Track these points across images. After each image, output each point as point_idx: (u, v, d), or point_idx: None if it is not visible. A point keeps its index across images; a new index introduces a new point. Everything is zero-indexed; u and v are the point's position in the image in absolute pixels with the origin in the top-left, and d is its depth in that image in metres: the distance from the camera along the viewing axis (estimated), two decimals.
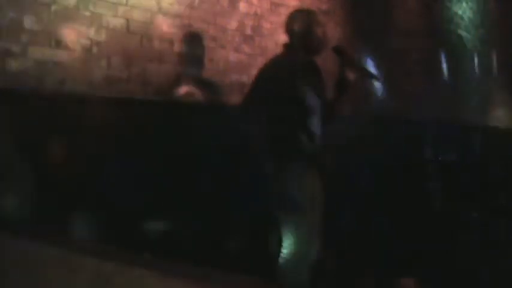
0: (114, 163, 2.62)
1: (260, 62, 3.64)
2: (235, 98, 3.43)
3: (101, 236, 2.38)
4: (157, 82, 2.96)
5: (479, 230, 3.99)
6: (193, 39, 3.14)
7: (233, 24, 3.48)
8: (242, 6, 3.54)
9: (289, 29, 2.56)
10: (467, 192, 4.54)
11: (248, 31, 3.60)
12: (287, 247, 2.40)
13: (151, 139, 2.83)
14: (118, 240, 2.30)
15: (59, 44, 2.51)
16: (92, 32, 2.65)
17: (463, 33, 6.44)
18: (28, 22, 2.39)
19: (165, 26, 3.02)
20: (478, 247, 3.62)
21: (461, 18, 6.31)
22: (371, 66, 2.52)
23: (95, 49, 2.66)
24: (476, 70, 6.65)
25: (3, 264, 1.60)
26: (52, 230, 2.12)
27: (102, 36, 2.69)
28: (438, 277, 3.05)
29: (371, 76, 2.55)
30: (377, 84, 2.50)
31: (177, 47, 3.10)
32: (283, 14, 3.90)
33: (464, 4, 6.26)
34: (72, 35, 2.56)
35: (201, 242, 2.82)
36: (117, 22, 2.76)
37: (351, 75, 2.48)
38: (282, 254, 2.42)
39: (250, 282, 1.42)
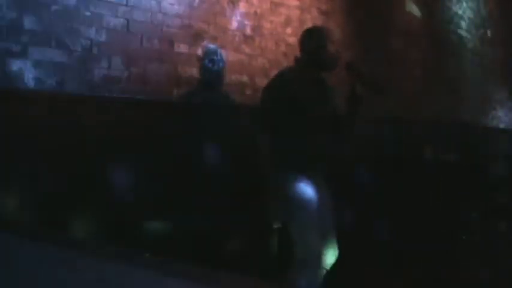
0: (114, 163, 2.62)
1: (260, 62, 3.65)
2: (235, 98, 3.43)
3: (101, 236, 2.39)
4: (157, 82, 2.96)
5: (480, 230, 3.99)
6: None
7: (233, 24, 3.48)
8: (242, 6, 3.54)
9: (302, 45, 2.59)
10: (467, 191, 4.54)
11: (248, 31, 3.59)
12: (298, 251, 2.40)
13: (151, 139, 2.83)
14: (118, 240, 2.30)
15: (59, 44, 2.51)
16: (92, 32, 2.65)
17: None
18: (28, 22, 2.39)
19: (165, 26, 3.02)
20: (478, 247, 3.62)
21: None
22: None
23: (95, 49, 2.66)
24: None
25: (3, 264, 1.60)
26: (52, 230, 2.12)
27: (102, 36, 2.69)
28: (438, 277, 3.05)
29: (379, 91, 2.57)
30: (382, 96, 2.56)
31: (177, 47, 3.10)
32: (283, 14, 3.90)
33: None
34: (72, 35, 2.56)
35: (203, 243, 2.82)
36: (117, 22, 2.76)
37: (362, 91, 2.53)
38: (293, 258, 2.42)
39: (250, 282, 1.42)
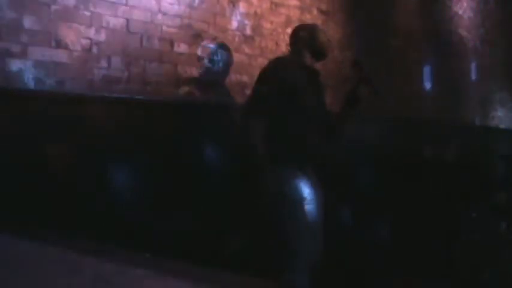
0: (114, 163, 2.62)
1: (260, 62, 3.64)
2: (235, 98, 3.43)
3: (101, 236, 2.38)
4: (157, 82, 2.96)
5: (479, 229, 3.99)
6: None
7: (233, 24, 3.48)
8: (242, 6, 3.54)
9: (294, 37, 2.63)
10: (466, 191, 4.54)
11: (248, 31, 3.59)
12: (287, 248, 2.40)
13: (152, 139, 2.83)
14: (118, 240, 2.30)
15: (59, 44, 2.51)
16: (92, 32, 2.65)
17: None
18: (28, 22, 2.39)
19: (165, 26, 3.01)
20: (478, 246, 3.62)
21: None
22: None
23: (95, 49, 2.66)
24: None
25: (3, 264, 1.59)
26: (52, 230, 2.12)
27: (102, 36, 2.69)
28: (438, 277, 3.05)
29: (377, 91, 2.58)
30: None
31: (177, 47, 3.10)
32: (283, 14, 3.90)
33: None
34: (72, 35, 2.56)
35: (201, 242, 2.82)
36: (117, 22, 2.76)
37: (364, 92, 2.54)
38: (282, 255, 2.42)
39: (250, 282, 1.42)
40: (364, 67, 2.58)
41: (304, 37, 2.59)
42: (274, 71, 2.50)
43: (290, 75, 2.47)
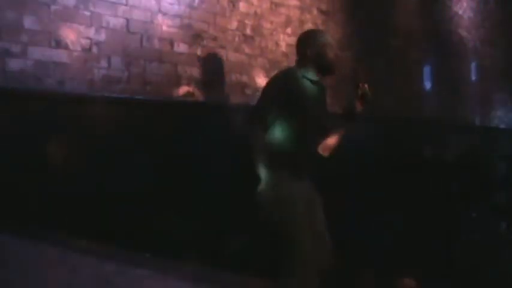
0: (114, 163, 2.62)
1: (260, 62, 3.65)
2: (235, 98, 3.43)
3: (101, 236, 2.38)
4: (157, 82, 2.96)
5: (479, 229, 3.99)
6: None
7: (233, 24, 3.48)
8: (242, 6, 3.54)
9: (301, 49, 2.61)
10: (466, 191, 4.54)
11: (248, 31, 3.59)
12: (286, 249, 2.41)
13: (151, 139, 2.83)
14: (118, 240, 2.30)
15: (59, 44, 2.51)
16: (92, 32, 2.65)
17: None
18: (28, 22, 2.39)
19: (165, 26, 3.02)
20: (478, 246, 3.62)
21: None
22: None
23: (95, 49, 2.66)
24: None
25: (3, 264, 1.59)
26: (52, 230, 2.12)
27: (102, 36, 2.69)
28: (438, 277, 3.05)
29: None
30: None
31: (177, 47, 3.10)
32: (283, 14, 3.90)
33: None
34: (72, 35, 2.56)
35: (201, 242, 2.82)
36: (117, 22, 2.76)
37: (360, 108, 2.57)
38: (281, 256, 2.42)
39: (250, 282, 1.42)
40: (366, 89, 2.58)
41: (312, 56, 2.56)
42: (282, 81, 2.50)
43: (297, 86, 2.48)
